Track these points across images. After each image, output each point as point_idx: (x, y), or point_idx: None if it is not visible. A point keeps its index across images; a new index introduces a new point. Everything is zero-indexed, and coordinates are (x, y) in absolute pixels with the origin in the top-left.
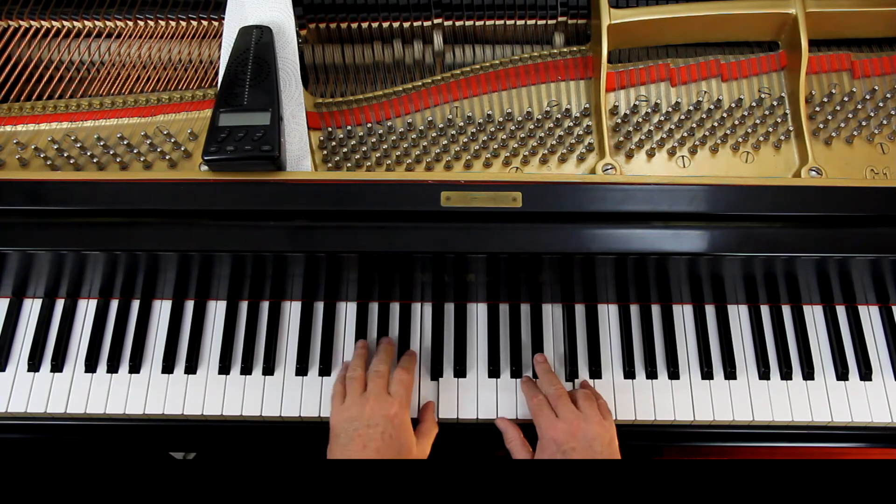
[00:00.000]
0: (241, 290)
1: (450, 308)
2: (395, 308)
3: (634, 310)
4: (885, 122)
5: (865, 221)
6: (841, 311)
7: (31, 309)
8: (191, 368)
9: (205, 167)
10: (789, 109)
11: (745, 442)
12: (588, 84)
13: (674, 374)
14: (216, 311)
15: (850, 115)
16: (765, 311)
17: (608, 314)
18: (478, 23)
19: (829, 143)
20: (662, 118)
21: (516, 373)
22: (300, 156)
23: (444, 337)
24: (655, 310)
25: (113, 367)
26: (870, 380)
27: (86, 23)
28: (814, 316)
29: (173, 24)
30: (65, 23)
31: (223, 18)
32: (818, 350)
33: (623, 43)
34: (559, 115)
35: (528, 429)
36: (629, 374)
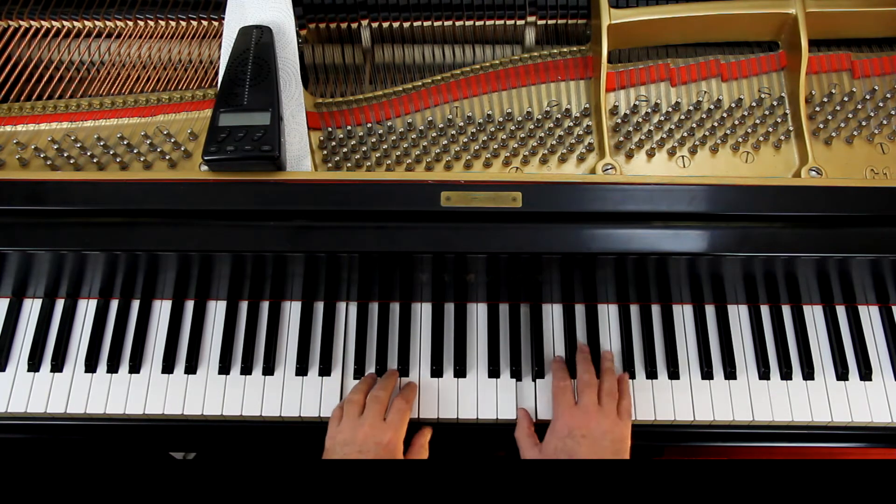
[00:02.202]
0: (241, 290)
1: (450, 308)
2: (395, 308)
3: (634, 310)
4: (885, 122)
5: (865, 221)
6: (841, 311)
7: (31, 309)
8: (191, 368)
9: (205, 167)
10: (789, 109)
11: (745, 442)
12: (588, 84)
13: (674, 374)
14: (216, 311)
15: (850, 115)
16: (765, 311)
17: (608, 314)
18: (477, 23)
19: (829, 143)
20: (662, 118)
21: (516, 373)
22: (300, 156)
23: (444, 337)
24: (655, 310)
25: (113, 367)
26: (870, 380)
27: (86, 23)
28: (814, 316)
29: (173, 24)
30: (65, 23)
31: (223, 18)
32: (818, 350)
33: (623, 43)
34: (559, 115)
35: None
36: (629, 374)
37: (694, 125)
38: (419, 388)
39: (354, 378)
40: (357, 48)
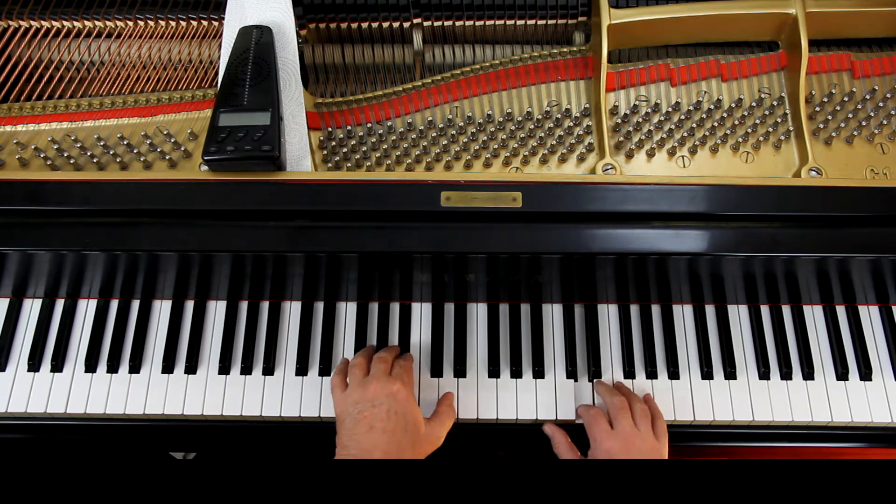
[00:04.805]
0: (241, 290)
1: (450, 308)
2: (395, 308)
3: (634, 310)
4: (885, 122)
5: (865, 221)
6: (841, 311)
7: (31, 309)
8: (191, 368)
9: (205, 167)
10: (789, 109)
11: (745, 442)
12: (588, 84)
13: (674, 374)
14: (216, 311)
15: (850, 115)
16: (765, 311)
17: (608, 314)
18: (478, 23)
19: (829, 143)
20: (662, 118)
21: (516, 373)
22: (300, 156)
23: (443, 337)
24: (655, 310)
25: (113, 367)
26: (870, 380)
27: (86, 23)
28: (814, 316)
29: (173, 24)
30: (65, 23)
31: (223, 18)
32: (818, 350)
33: (623, 43)
34: (559, 115)
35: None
36: (629, 374)
37: (694, 125)
38: (419, 388)
39: None
40: (357, 48)
